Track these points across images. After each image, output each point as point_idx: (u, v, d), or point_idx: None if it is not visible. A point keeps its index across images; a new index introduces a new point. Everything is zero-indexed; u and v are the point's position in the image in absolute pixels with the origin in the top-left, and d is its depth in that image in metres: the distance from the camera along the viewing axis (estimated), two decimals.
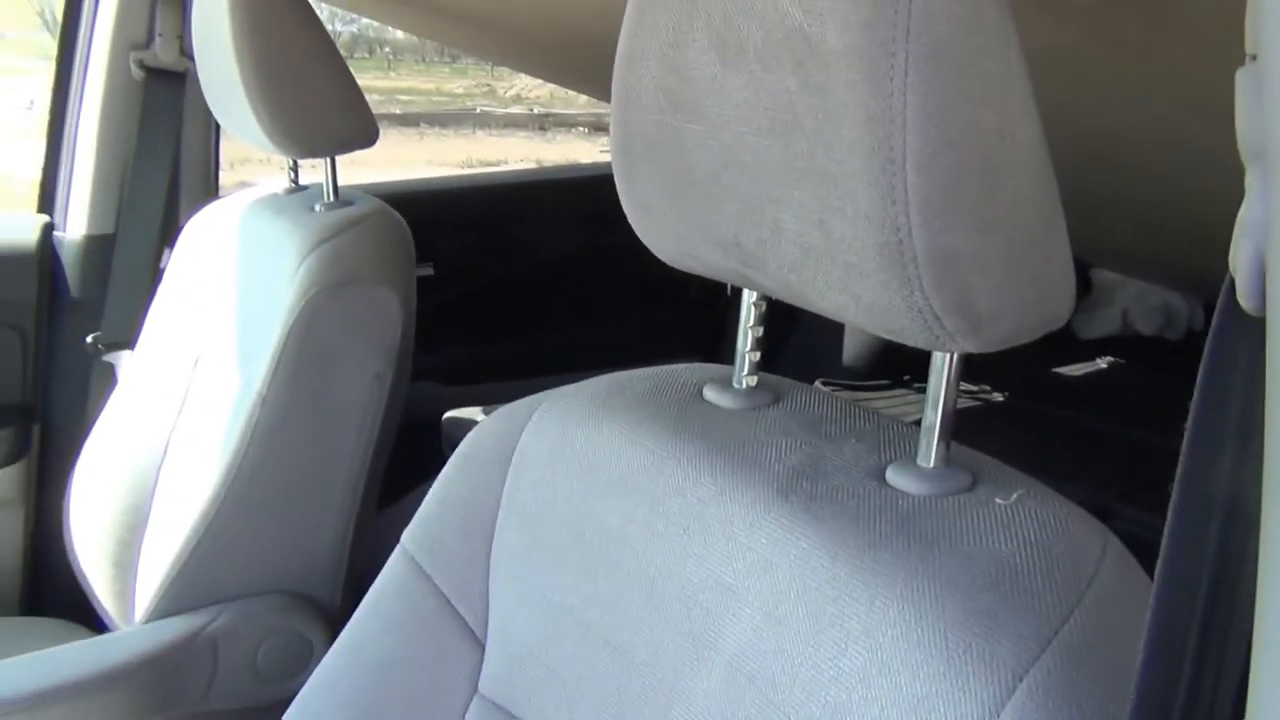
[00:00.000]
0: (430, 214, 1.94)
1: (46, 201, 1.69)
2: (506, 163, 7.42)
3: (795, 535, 0.63)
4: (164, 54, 1.60)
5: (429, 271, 1.94)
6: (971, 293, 0.53)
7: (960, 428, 0.64)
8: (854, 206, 0.54)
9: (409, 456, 1.37)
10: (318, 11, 1.29)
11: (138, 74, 1.60)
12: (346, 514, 1.27)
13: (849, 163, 0.53)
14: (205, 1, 1.26)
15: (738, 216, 0.61)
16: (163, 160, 1.63)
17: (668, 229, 0.68)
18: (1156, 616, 0.37)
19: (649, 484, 0.71)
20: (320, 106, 1.28)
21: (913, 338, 0.57)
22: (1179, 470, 0.39)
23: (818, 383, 2.11)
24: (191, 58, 1.48)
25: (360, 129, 1.33)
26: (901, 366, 2.26)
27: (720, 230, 0.63)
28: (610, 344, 2.06)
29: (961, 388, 0.68)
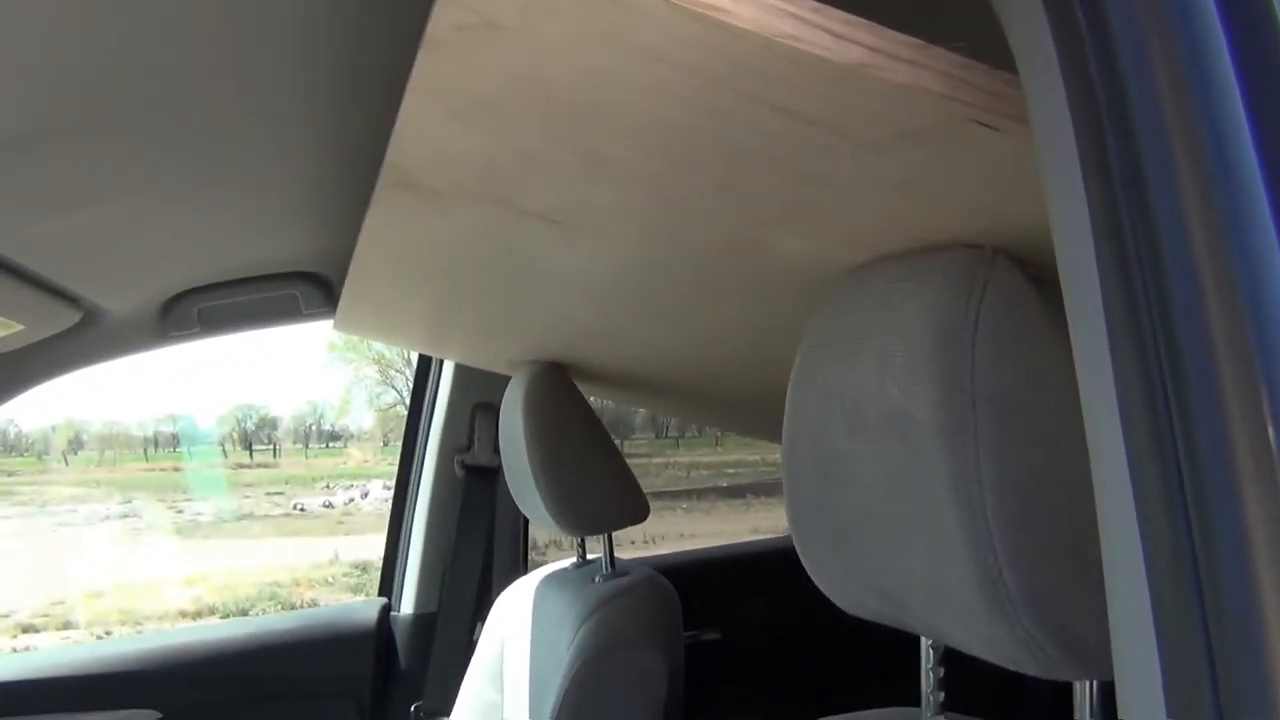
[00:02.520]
0: (723, 580, 2.06)
1: (385, 585, 1.97)
2: None
3: None
4: (480, 455, 1.89)
5: (715, 636, 2.02)
6: (1071, 622, 0.57)
7: None
8: (957, 554, 0.60)
9: None
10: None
11: (459, 472, 1.89)
12: None
13: (948, 515, 0.60)
14: (509, 413, 1.51)
15: (881, 566, 0.69)
16: (478, 545, 1.88)
17: (836, 580, 0.76)
18: None
19: None
20: (598, 491, 1.46)
21: (1033, 668, 0.60)
22: None
23: None
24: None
25: (634, 508, 1.49)
26: None
27: (870, 579, 0.70)
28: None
29: None
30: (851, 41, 0.49)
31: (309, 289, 1.62)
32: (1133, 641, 0.39)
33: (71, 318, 1.46)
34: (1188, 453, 0.36)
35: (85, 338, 1.53)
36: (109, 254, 1.37)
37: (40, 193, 1.09)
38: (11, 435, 7.25)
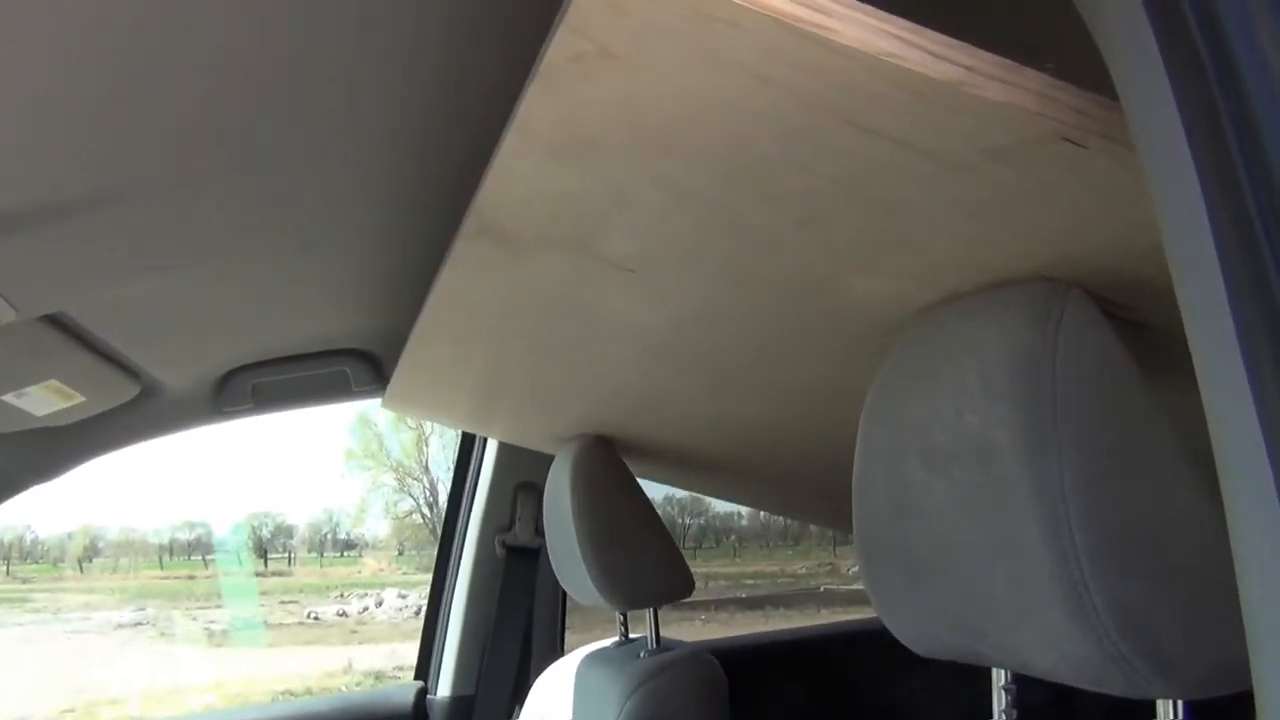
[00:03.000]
0: (772, 659, 2.03)
1: (422, 668, 1.96)
2: None
3: None
4: (521, 535, 1.90)
5: None
6: (1158, 638, 0.58)
7: None
8: (1041, 571, 0.61)
9: None
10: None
11: (500, 552, 1.90)
12: None
13: (1031, 533, 0.62)
14: (554, 488, 1.52)
15: (958, 596, 0.70)
16: (518, 626, 1.87)
17: (907, 617, 0.76)
18: None
19: None
20: (645, 565, 1.47)
21: (1119, 687, 0.61)
22: None
23: None
24: (543, 535, 1.75)
25: (680, 583, 1.50)
26: None
27: (946, 610, 0.71)
28: None
29: None
30: (949, 61, 0.53)
31: (359, 366, 1.66)
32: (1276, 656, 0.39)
33: (131, 391, 1.50)
34: None
35: (143, 411, 1.56)
36: (169, 327, 1.42)
37: (107, 258, 1.13)
38: (28, 542, 7.24)
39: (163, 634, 6.86)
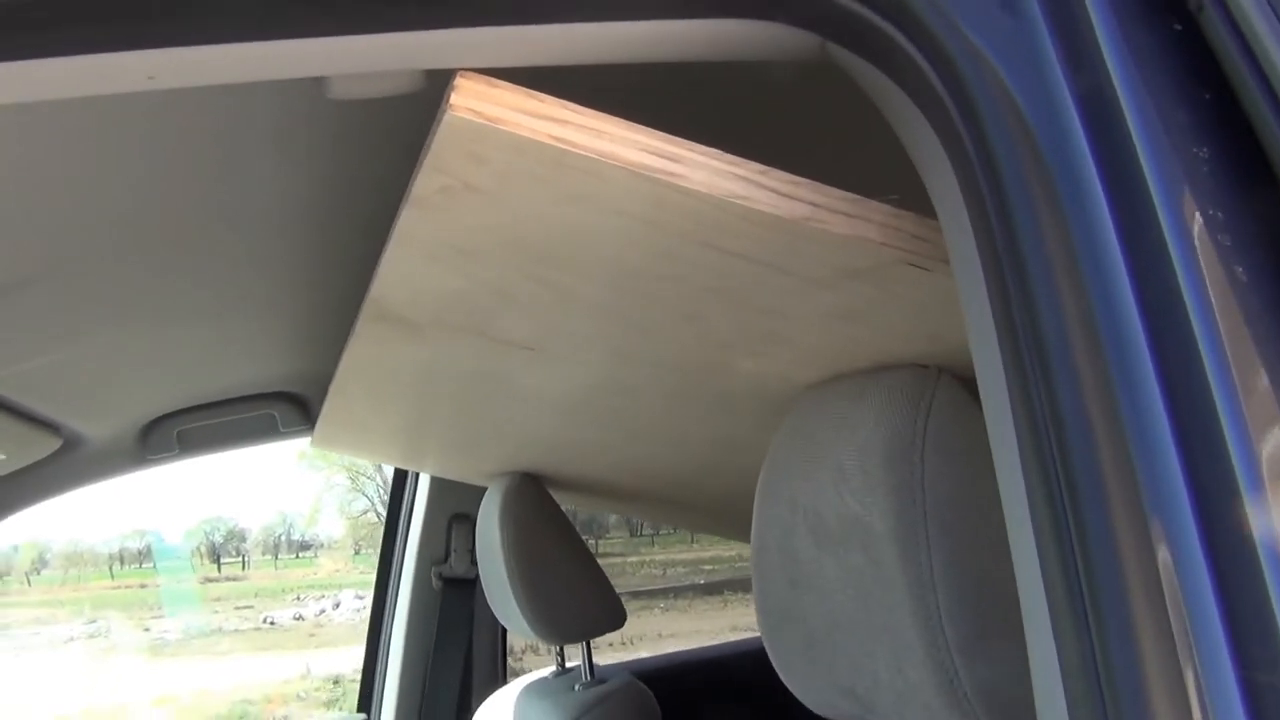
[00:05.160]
0: (702, 684, 2.06)
1: (365, 699, 1.97)
2: None
3: None
4: (457, 566, 1.91)
5: None
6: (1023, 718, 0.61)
7: None
8: (916, 656, 0.64)
9: None
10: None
11: (436, 584, 1.91)
12: None
13: (906, 621, 0.65)
14: (485, 524, 1.54)
15: (849, 669, 0.73)
16: (457, 656, 1.89)
17: (807, 682, 0.79)
18: None
19: None
20: (576, 599, 1.49)
21: None
22: None
23: None
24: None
25: (610, 614, 1.52)
26: None
27: (840, 681, 0.74)
28: None
29: None
30: (795, 199, 0.55)
31: (286, 408, 1.66)
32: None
33: (51, 445, 1.49)
34: (1080, 547, 0.42)
35: (65, 463, 1.55)
36: (89, 383, 1.41)
37: (22, 333, 1.13)
38: None
39: (116, 646, 6.77)
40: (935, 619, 0.64)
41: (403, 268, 0.74)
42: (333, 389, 1.22)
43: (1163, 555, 0.40)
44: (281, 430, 1.67)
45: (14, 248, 0.91)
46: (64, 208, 0.87)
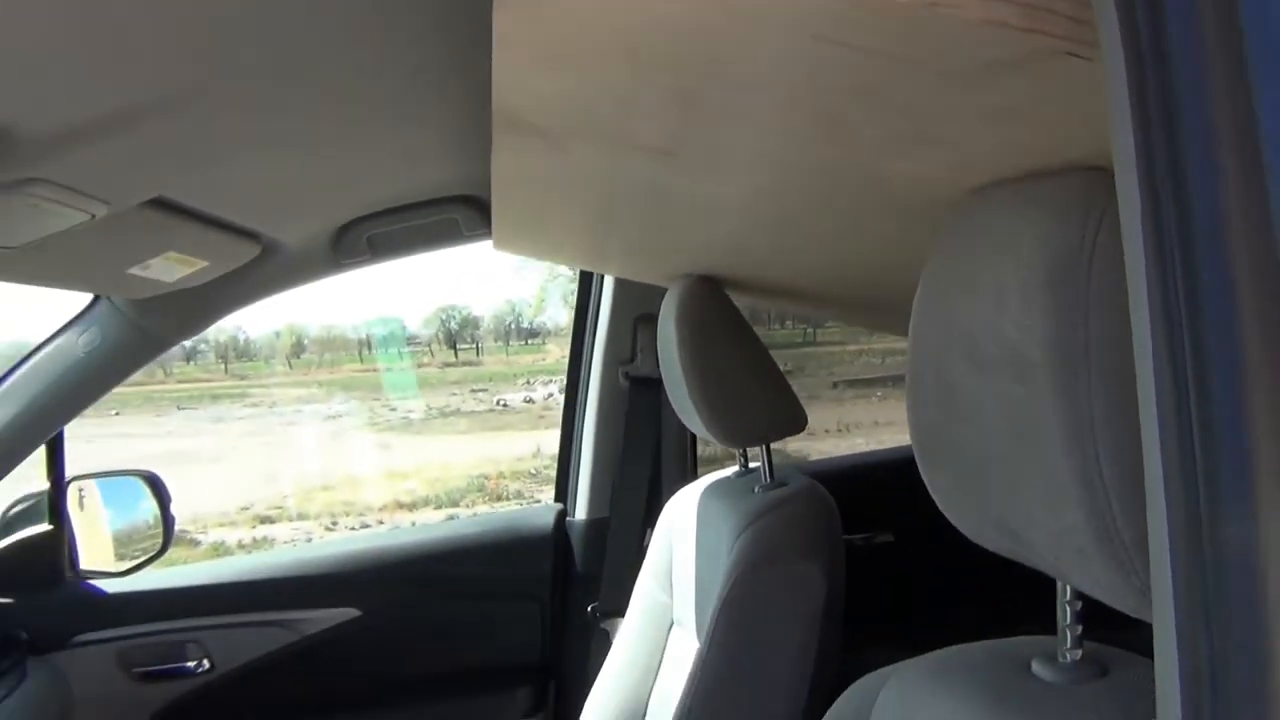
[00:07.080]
0: (897, 482, 2.03)
1: (560, 491, 2.05)
2: None
3: None
4: (644, 366, 1.92)
5: (889, 539, 2.00)
6: None
7: None
8: (1072, 499, 0.58)
9: None
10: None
11: (624, 383, 1.92)
12: None
13: (1062, 462, 0.58)
14: (664, 327, 1.52)
15: (1003, 504, 0.67)
16: (646, 453, 1.92)
17: (962, 513, 0.74)
18: None
19: None
20: (754, 402, 1.46)
21: (1150, 617, 0.57)
22: None
23: None
24: None
25: (790, 419, 1.49)
26: None
27: (995, 515, 0.68)
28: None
29: None
30: None
31: (469, 212, 1.67)
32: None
33: (252, 251, 1.55)
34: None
35: (265, 269, 1.63)
36: (282, 192, 1.45)
37: (215, 143, 1.15)
38: (241, 341, 7.79)
39: (366, 423, 7.38)
40: (1093, 462, 0.56)
41: (513, 73, 0.69)
42: (494, 197, 1.20)
43: None
44: (465, 233, 1.68)
45: (207, 51, 0.90)
46: (248, 16, 0.85)
